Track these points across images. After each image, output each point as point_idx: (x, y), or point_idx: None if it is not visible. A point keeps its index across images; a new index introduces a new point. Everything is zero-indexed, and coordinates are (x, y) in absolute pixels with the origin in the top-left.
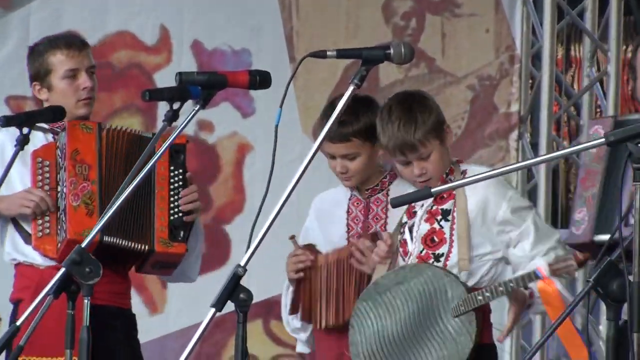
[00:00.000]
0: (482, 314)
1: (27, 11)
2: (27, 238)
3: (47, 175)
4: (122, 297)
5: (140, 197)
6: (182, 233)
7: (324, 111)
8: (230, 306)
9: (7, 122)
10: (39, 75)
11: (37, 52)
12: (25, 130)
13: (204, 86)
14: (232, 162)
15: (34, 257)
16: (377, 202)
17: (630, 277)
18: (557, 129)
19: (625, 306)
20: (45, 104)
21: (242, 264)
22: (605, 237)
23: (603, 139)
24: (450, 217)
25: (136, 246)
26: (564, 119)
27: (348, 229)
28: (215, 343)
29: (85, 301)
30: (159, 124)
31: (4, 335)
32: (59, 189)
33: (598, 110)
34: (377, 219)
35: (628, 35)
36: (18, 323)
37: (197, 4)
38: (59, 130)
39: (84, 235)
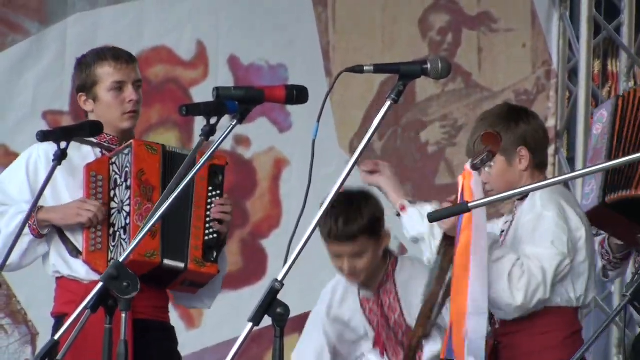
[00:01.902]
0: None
1: (64, 26)
2: (72, 252)
3: (100, 190)
4: (163, 312)
5: (177, 214)
6: (215, 254)
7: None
8: (267, 320)
9: (45, 137)
10: (85, 86)
11: (85, 64)
12: (62, 144)
13: (241, 101)
14: (268, 177)
15: (79, 270)
16: (387, 292)
17: None
18: None
19: None
20: (90, 116)
21: (279, 278)
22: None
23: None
24: None
25: (174, 264)
26: None
27: (370, 323)
28: (252, 357)
29: (123, 315)
30: (196, 139)
31: (42, 348)
32: (113, 205)
33: None
34: (392, 309)
35: None
36: (56, 337)
37: (233, 19)
38: (107, 144)
39: (147, 256)
